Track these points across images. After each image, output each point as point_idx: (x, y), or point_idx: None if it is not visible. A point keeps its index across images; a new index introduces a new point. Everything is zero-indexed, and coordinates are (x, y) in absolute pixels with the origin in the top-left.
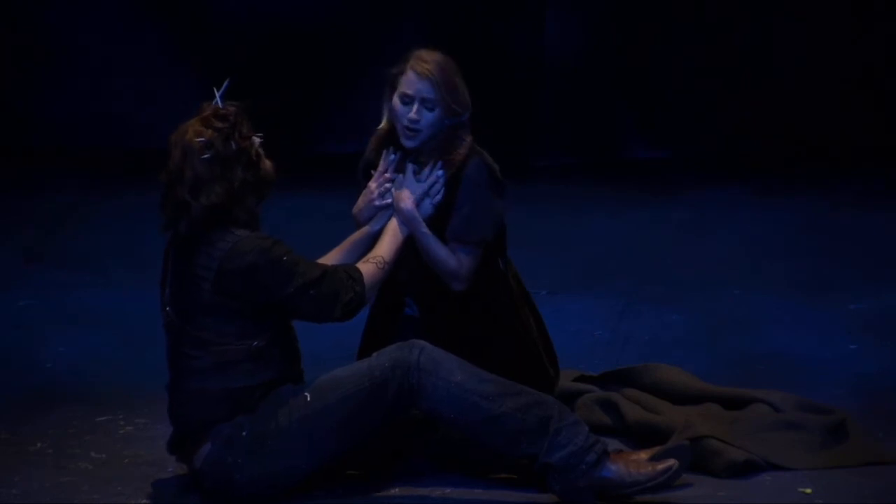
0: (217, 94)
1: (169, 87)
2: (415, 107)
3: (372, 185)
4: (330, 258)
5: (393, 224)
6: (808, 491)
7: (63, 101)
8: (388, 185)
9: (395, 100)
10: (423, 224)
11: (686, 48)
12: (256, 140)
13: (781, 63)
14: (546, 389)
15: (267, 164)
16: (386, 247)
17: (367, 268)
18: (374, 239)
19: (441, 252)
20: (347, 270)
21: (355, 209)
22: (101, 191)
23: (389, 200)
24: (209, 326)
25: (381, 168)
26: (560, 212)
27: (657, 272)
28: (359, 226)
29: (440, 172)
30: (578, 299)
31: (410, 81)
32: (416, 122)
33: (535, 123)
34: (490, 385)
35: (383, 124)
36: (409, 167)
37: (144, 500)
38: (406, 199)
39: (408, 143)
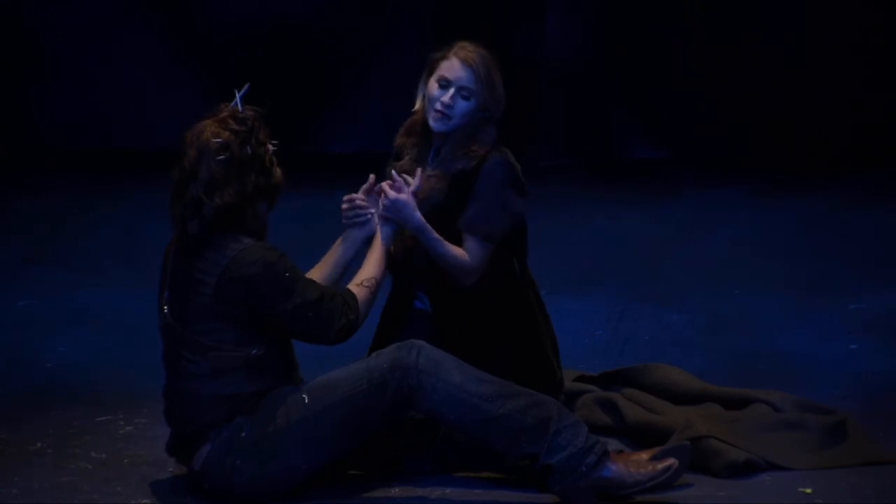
0: (237, 97)
1: (169, 87)
2: (451, 91)
3: (344, 205)
4: (315, 275)
5: (377, 243)
6: (809, 491)
7: (63, 101)
8: (358, 210)
9: (432, 83)
10: (433, 231)
11: (686, 48)
12: (271, 147)
13: (781, 63)
14: (553, 392)
15: (278, 171)
16: (375, 267)
17: (362, 293)
18: (347, 263)
19: (451, 252)
20: (344, 295)
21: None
22: (101, 191)
23: (360, 220)
24: (208, 331)
25: (361, 190)
26: (560, 212)
27: (657, 272)
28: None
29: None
30: (578, 299)
31: (453, 67)
32: (449, 107)
33: (535, 123)
34: (489, 386)
35: (417, 107)
36: (405, 179)
37: (144, 500)
38: (411, 213)
39: (436, 126)
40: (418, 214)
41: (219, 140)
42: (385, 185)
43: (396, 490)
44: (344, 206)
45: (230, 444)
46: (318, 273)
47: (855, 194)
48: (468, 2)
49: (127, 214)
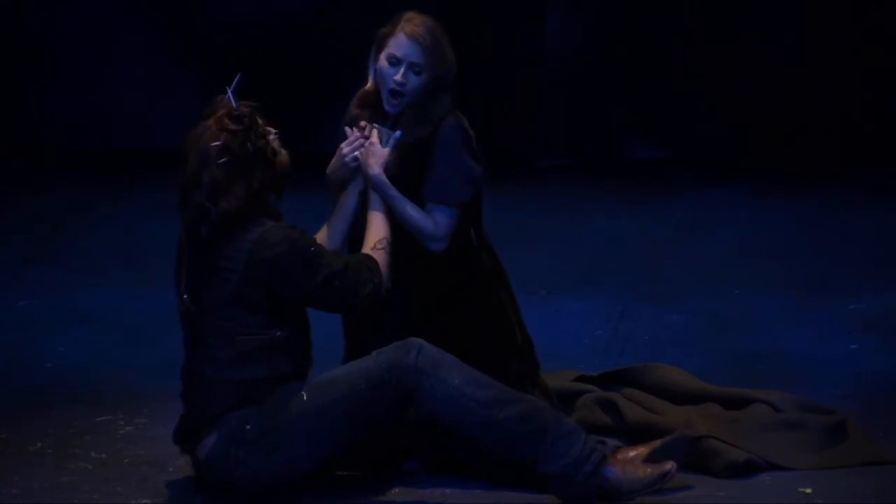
0: (229, 91)
1: (169, 87)
2: (402, 69)
3: (344, 147)
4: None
5: (375, 200)
6: (809, 491)
7: (63, 101)
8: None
9: (382, 60)
10: (393, 188)
11: (686, 48)
12: (272, 136)
13: (781, 63)
14: (514, 356)
15: (283, 155)
16: (382, 227)
17: (380, 256)
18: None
19: (414, 213)
20: (366, 262)
21: (329, 169)
22: (101, 191)
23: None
24: (233, 316)
25: (357, 132)
26: (560, 212)
27: (657, 272)
28: (331, 186)
29: (398, 134)
30: (578, 299)
31: (400, 44)
32: (402, 84)
33: (535, 123)
34: (488, 391)
35: (369, 85)
36: (378, 132)
37: (144, 500)
38: (374, 164)
39: (390, 109)
40: (380, 171)
41: (218, 143)
42: (374, 133)
43: (396, 490)
44: (345, 149)
45: (235, 436)
46: (326, 232)
47: (855, 194)
48: (468, 2)
49: (127, 214)
